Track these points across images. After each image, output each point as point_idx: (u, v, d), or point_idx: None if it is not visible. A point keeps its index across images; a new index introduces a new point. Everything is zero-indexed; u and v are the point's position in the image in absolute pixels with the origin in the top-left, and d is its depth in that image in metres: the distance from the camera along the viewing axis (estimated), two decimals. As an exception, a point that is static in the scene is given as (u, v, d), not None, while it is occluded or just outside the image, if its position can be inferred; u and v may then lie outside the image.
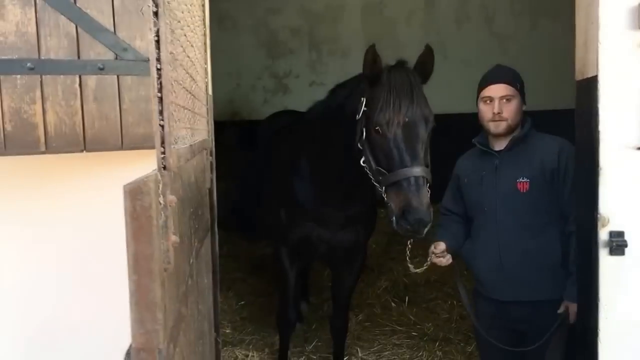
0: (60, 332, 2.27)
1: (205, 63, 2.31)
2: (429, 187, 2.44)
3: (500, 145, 2.57)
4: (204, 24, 2.29)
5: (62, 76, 2.02)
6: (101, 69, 2.06)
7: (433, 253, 2.65)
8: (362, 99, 2.62)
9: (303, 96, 6.45)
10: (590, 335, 2.02)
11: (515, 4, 7.07)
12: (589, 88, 1.99)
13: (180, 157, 1.25)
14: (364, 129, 2.59)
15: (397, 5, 7.32)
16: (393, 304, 4.76)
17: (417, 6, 7.22)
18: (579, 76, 2.13)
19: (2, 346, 2.28)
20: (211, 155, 2.38)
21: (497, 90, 2.53)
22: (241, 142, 6.56)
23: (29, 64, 1.98)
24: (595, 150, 1.93)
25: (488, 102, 2.55)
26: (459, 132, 6.88)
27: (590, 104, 1.96)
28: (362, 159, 2.59)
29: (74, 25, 2.03)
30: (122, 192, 0.99)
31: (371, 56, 2.54)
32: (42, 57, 1.99)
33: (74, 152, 2.05)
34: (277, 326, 3.76)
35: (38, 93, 2.00)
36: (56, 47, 2.01)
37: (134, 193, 0.98)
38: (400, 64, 2.66)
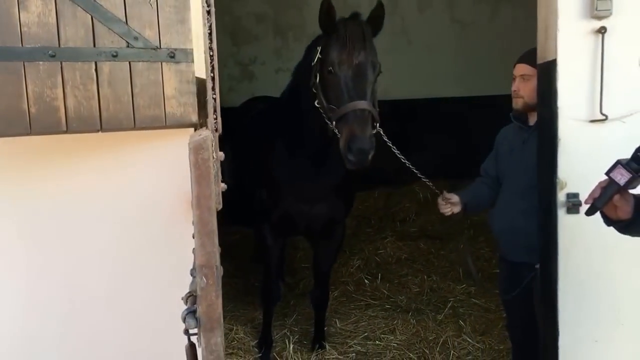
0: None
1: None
2: (376, 124, 2.82)
3: (533, 120, 2.80)
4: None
5: (79, 63, 2.23)
6: (114, 56, 2.29)
7: (442, 198, 2.96)
8: (318, 47, 3.00)
9: (269, 83, 6.67)
10: (550, 285, 2.42)
11: (475, -9, 7.46)
12: (549, 70, 2.37)
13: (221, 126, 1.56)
14: (318, 74, 2.96)
15: (362, -10, 7.64)
16: (366, 281, 5.11)
17: (381, -8, 7.58)
18: (540, 59, 2.52)
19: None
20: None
21: (517, 69, 2.82)
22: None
23: (50, 52, 2.19)
24: (554, 123, 2.32)
25: (514, 80, 2.84)
26: (424, 117, 7.32)
27: (550, 84, 2.34)
28: (316, 101, 2.95)
29: (90, 16, 2.25)
30: (187, 147, 1.29)
31: (326, 7, 2.94)
32: (62, 46, 2.21)
33: (91, 132, 2.28)
34: (261, 300, 4.06)
35: (59, 78, 2.21)
36: (74, 36, 2.23)
37: (197, 148, 1.28)
38: (355, 16, 3.05)
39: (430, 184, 3.05)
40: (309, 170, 3.45)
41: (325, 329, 4.19)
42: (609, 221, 1.90)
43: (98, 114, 2.30)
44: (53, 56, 2.20)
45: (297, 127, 3.37)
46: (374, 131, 2.81)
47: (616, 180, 1.80)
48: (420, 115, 7.07)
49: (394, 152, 2.97)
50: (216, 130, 1.36)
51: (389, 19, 7.87)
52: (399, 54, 7.37)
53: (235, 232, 6.24)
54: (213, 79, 1.35)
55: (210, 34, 1.33)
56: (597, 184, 1.88)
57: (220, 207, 1.36)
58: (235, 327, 4.26)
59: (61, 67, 2.22)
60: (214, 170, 1.29)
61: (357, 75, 2.84)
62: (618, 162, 1.83)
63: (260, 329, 4.11)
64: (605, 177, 1.86)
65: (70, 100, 2.24)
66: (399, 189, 6.98)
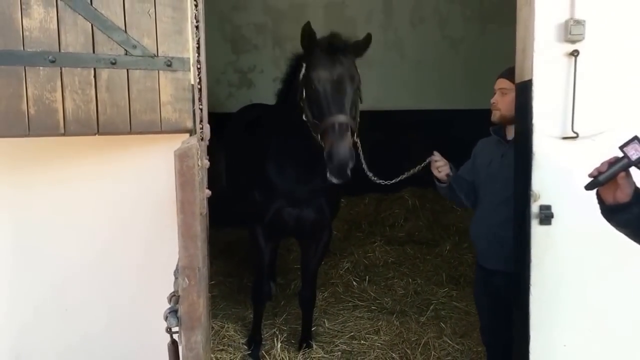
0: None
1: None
2: (353, 135, 2.87)
3: (510, 135, 2.83)
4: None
5: (79, 68, 2.25)
6: (113, 63, 2.30)
7: (435, 160, 2.94)
8: (303, 64, 3.10)
9: (267, 91, 6.64)
10: (523, 293, 2.44)
11: (466, 9, 7.50)
12: (525, 89, 2.40)
13: (208, 134, 1.57)
14: (304, 89, 3.03)
15: (357, 5, 7.68)
16: (354, 283, 5.12)
17: (376, 7, 7.58)
18: (518, 79, 2.54)
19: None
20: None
21: (497, 83, 2.87)
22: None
23: (50, 57, 2.20)
24: (530, 139, 2.35)
25: (494, 93, 2.88)
26: (414, 127, 7.36)
27: (527, 103, 2.37)
28: (303, 115, 3.02)
29: (90, 24, 2.26)
30: (173, 155, 1.30)
31: (307, 33, 3.04)
32: (62, 51, 2.22)
33: (88, 135, 2.29)
34: (251, 299, 4.06)
35: (58, 82, 2.22)
36: (74, 42, 2.24)
37: (182, 156, 1.29)
38: (334, 35, 3.10)
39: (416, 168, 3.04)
40: (300, 176, 3.50)
41: (314, 328, 4.20)
42: (602, 203, 1.75)
43: (95, 117, 2.31)
44: (53, 61, 2.21)
45: (290, 135, 3.42)
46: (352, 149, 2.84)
47: (629, 154, 1.66)
48: (411, 126, 7.10)
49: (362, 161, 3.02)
50: (202, 138, 1.37)
51: (383, 33, 7.96)
52: (392, 66, 7.42)
53: (230, 232, 6.27)
54: (200, 90, 1.37)
55: (198, 47, 1.35)
56: (604, 160, 1.72)
57: (205, 212, 1.37)
58: (226, 325, 4.25)
59: (61, 73, 2.23)
60: (199, 177, 1.31)
61: (336, 90, 2.92)
62: (635, 137, 1.69)
63: (251, 327, 4.11)
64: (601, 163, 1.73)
65: (68, 104, 2.25)
66: (388, 195, 7.01)
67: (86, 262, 2.60)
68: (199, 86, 1.38)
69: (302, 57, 3.24)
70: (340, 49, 3.02)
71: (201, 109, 1.38)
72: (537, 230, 2.36)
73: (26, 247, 2.57)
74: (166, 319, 1.22)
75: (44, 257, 2.59)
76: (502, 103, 2.81)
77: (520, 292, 2.45)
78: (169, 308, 1.24)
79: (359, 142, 2.97)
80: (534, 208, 2.35)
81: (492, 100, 2.88)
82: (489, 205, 2.89)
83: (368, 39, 3.15)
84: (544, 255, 2.37)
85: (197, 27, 1.36)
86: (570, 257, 2.39)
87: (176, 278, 1.24)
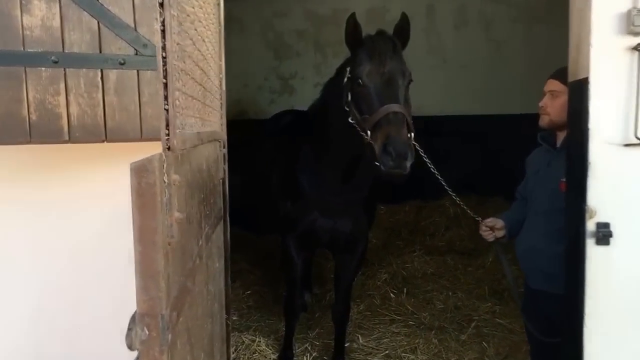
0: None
1: (220, 60, 2.36)
2: (410, 132, 2.55)
3: (560, 142, 2.53)
4: (219, 21, 2.33)
5: (84, 70, 2.05)
6: (122, 64, 2.09)
7: (484, 224, 2.71)
8: (347, 68, 2.83)
9: (308, 97, 6.42)
10: (576, 321, 2.06)
11: (511, 10, 7.08)
12: (580, 89, 2.02)
13: (185, 141, 1.30)
14: (349, 92, 2.76)
15: (399, 10, 7.34)
16: (392, 295, 4.81)
17: (418, 11, 7.24)
18: (571, 77, 2.17)
19: (16, 311, 2.37)
20: (224, 147, 2.42)
21: (548, 85, 2.55)
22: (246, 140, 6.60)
23: (53, 57, 2.01)
24: (585, 146, 1.97)
25: (543, 95, 2.56)
26: (457, 133, 6.95)
27: (582, 104, 2.00)
28: (349, 117, 2.74)
29: (96, 21, 2.06)
30: (129, 169, 1.02)
31: (352, 23, 2.80)
32: (66, 51, 2.02)
33: (95, 142, 2.08)
34: (283, 312, 3.81)
35: (62, 85, 2.03)
36: (79, 41, 2.04)
37: (139, 171, 1.00)
38: (381, 32, 2.87)
39: (467, 208, 2.81)
40: (334, 186, 3.24)
41: (347, 344, 3.91)
42: None
43: (103, 123, 2.10)
44: (56, 62, 2.01)
45: (326, 144, 3.17)
46: (410, 140, 2.55)
47: None
48: (454, 132, 6.73)
49: (431, 170, 2.74)
50: (169, 148, 1.10)
51: (426, 37, 7.60)
52: (435, 71, 7.06)
53: (272, 239, 6.02)
54: (166, 85, 1.09)
55: (163, 31, 1.07)
56: None
57: (174, 240, 1.08)
58: (257, 339, 4.01)
59: (64, 74, 2.03)
60: (165, 197, 1.03)
61: (388, 82, 2.66)
62: None
63: (282, 341, 3.87)
64: None
65: (73, 108, 2.05)
66: (429, 203, 6.64)
67: (99, 273, 2.41)
68: (164, 80, 1.09)
69: (344, 64, 3.01)
70: (387, 41, 2.77)
71: (167, 110, 1.09)
72: (593, 252, 1.98)
73: (38, 261, 2.41)
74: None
75: (56, 271, 2.42)
76: (552, 107, 2.48)
77: (572, 322, 2.08)
78: (130, 364, 0.96)
79: (417, 146, 2.63)
80: (590, 226, 1.97)
81: (541, 104, 2.52)
82: (534, 218, 2.56)
83: (404, 18, 2.87)
84: (601, 281, 1.98)
85: (161, 4, 1.08)
86: (633, 283, 1.99)
87: (129, 329, 0.95)
